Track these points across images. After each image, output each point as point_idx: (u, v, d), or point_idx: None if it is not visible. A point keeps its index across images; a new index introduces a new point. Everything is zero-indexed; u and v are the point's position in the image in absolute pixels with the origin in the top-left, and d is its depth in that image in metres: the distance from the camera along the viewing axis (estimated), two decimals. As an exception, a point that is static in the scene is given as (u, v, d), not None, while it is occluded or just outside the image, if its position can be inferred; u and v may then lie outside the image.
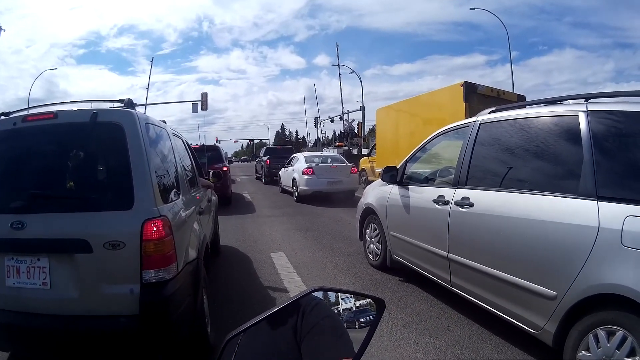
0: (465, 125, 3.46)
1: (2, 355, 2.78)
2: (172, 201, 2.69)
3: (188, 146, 4.54)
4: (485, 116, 3.26)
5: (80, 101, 3.03)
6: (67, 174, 2.57)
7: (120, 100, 2.89)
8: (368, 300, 0.98)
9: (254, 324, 0.83)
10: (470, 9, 30.26)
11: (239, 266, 5.22)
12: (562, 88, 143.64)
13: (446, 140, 3.98)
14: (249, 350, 0.84)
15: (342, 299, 0.98)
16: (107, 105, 2.97)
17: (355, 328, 0.94)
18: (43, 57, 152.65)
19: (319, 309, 0.90)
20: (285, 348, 0.86)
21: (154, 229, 2.25)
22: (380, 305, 0.96)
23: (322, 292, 0.96)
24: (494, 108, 3.30)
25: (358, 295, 0.99)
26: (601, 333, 2.00)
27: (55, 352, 2.45)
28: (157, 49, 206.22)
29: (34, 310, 2.27)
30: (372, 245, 4.95)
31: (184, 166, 3.62)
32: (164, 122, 3.42)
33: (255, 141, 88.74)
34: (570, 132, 2.45)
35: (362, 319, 0.95)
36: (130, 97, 2.91)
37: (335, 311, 0.95)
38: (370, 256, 5.01)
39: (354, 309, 0.97)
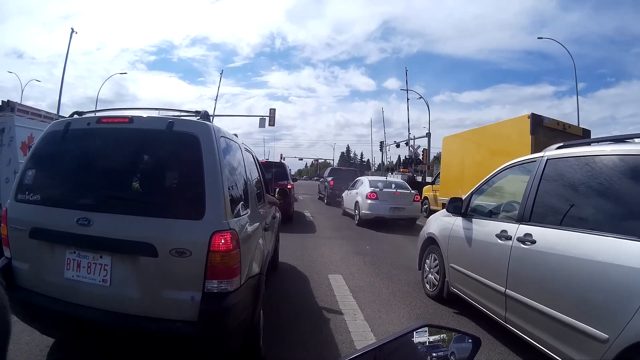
0: (532, 160, 3.39)
1: (46, 340, 2.94)
2: (240, 215, 2.71)
3: (257, 162, 4.58)
4: (552, 152, 3.18)
5: (157, 109, 3.09)
6: (137, 178, 2.64)
7: (197, 112, 2.91)
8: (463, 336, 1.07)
9: (361, 354, 0.89)
10: (538, 38, 29.26)
11: (296, 284, 5.28)
12: (627, 122, 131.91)
13: (512, 174, 3.91)
14: None
15: (439, 335, 1.08)
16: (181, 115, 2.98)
17: None
18: (113, 60, 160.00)
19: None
20: None
21: (222, 241, 2.28)
22: (476, 342, 1.03)
23: (428, 328, 1.06)
24: (562, 144, 3.22)
25: (458, 333, 1.08)
26: None
27: (106, 345, 2.54)
28: (229, 61, 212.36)
29: (89, 304, 2.32)
30: (430, 276, 4.91)
31: (253, 181, 3.65)
32: (236, 135, 3.46)
33: (320, 161, 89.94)
34: (637, 172, 2.39)
35: (458, 355, 1.04)
36: (199, 108, 2.96)
37: (436, 345, 1.05)
38: (428, 286, 4.95)
39: (451, 344, 1.07)
